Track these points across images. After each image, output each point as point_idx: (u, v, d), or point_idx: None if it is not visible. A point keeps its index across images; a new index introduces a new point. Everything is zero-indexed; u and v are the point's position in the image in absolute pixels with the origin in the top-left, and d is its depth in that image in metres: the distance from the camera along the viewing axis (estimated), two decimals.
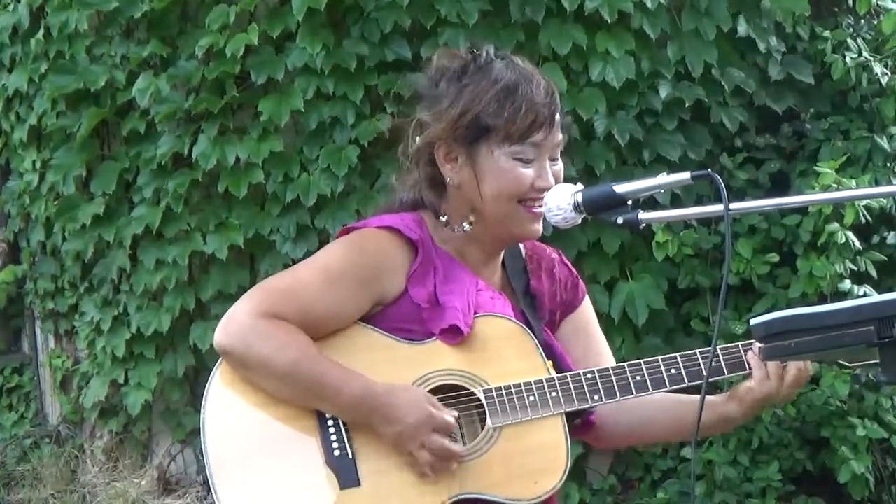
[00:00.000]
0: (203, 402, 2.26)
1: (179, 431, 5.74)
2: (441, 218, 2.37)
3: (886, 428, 4.78)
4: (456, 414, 2.25)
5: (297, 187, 5.17)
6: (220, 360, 2.29)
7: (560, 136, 2.34)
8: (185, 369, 5.56)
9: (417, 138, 2.37)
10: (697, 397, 2.20)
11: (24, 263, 6.49)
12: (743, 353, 2.34)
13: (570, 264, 2.55)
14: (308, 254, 5.00)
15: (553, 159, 2.33)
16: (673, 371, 2.32)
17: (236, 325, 2.23)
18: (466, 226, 2.36)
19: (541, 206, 2.28)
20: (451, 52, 2.42)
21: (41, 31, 5.72)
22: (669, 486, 5.10)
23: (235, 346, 2.23)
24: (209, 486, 2.22)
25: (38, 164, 5.94)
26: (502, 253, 2.44)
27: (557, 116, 2.33)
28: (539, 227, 2.33)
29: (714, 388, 2.51)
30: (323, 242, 5.08)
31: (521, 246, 2.50)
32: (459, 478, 2.24)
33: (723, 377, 2.36)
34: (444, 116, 2.32)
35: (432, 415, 2.21)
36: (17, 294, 6.64)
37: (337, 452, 2.23)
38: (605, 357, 2.49)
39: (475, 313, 2.31)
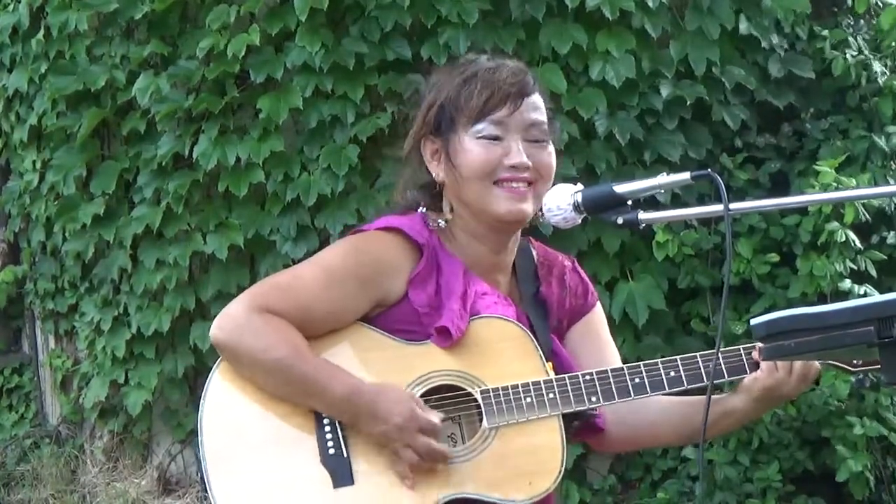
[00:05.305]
0: (202, 397, 2.27)
1: (179, 431, 5.74)
2: (421, 209, 2.39)
3: (886, 426, 4.78)
4: (442, 416, 2.25)
5: (297, 187, 5.16)
6: (220, 357, 2.30)
7: (535, 117, 2.34)
8: (185, 369, 5.56)
9: (406, 141, 2.42)
10: (702, 398, 2.19)
11: (24, 263, 6.50)
12: (745, 355, 2.33)
13: (582, 272, 2.55)
14: (308, 254, 5.01)
15: (534, 142, 2.33)
16: (672, 374, 2.32)
17: (231, 319, 2.25)
18: (442, 222, 2.38)
19: (523, 186, 2.29)
20: (439, 69, 2.49)
21: (41, 31, 5.72)
22: (669, 486, 5.10)
23: (228, 340, 2.24)
24: (203, 480, 2.22)
25: (38, 164, 5.94)
26: (511, 256, 2.44)
27: (531, 98, 2.34)
28: (524, 206, 2.30)
29: (714, 391, 2.50)
30: (323, 242, 5.09)
31: (534, 252, 2.50)
32: (454, 477, 2.24)
33: (723, 380, 2.35)
34: (420, 113, 2.39)
35: (417, 415, 2.21)
36: (17, 294, 6.65)
37: (332, 451, 2.23)
38: (612, 364, 2.45)
39: (476, 314, 2.30)
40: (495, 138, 2.31)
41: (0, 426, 6.65)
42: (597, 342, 2.52)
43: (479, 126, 2.31)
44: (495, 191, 2.31)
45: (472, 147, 2.31)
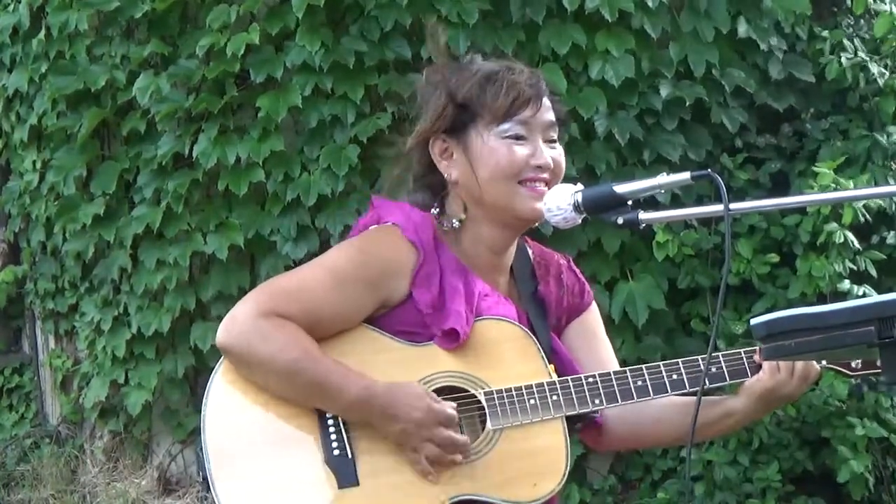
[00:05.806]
0: (204, 398, 2.27)
1: (179, 431, 5.74)
2: (433, 211, 2.39)
3: (886, 427, 4.78)
4: (454, 405, 2.25)
5: (297, 187, 5.16)
6: (221, 357, 2.30)
7: (552, 117, 2.36)
8: (185, 369, 5.56)
9: (409, 139, 2.40)
10: (705, 397, 2.20)
11: (24, 263, 6.49)
12: (746, 358, 2.34)
13: (577, 271, 2.56)
14: (309, 254, 5.02)
15: (550, 142, 2.35)
16: (675, 377, 2.32)
17: (239, 324, 2.24)
18: (456, 222, 2.37)
19: (542, 186, 2.30)
20: (437, 66, 2.47)
21: (41, 31, 5.72)
22: (669, 486, 5.09)
23: (237, 346, 2.24)
24: (207, 481, 2.22)
25: (38, 165, 5.94)
26: (511, 257, 2.44)
27: (546, 99, 2.36)
28: (542, 206, 2.30)
29: (715, 392, 2.51)
30: (324, 243, 5.09)
31: (530, 251, 2.50)
32: (458, 479, 2.24)
33: (724, 383, 2.36)
34: (432, 111, 2.36)
35: (434, 409, 2.22)
36: (17, 294, 6.65)
37: (336, 452, 2.23)
38: (608, 362, 2.49)
39: (478, 316, 2.31)
40: (520, 138, 2.32)
41: (0, 426, 6.65)
42: (593, 341, 2.52)
43: (505, 126, 2.31)
44: (520, 190, 2.31)
45: (497, 146, 2.31)
